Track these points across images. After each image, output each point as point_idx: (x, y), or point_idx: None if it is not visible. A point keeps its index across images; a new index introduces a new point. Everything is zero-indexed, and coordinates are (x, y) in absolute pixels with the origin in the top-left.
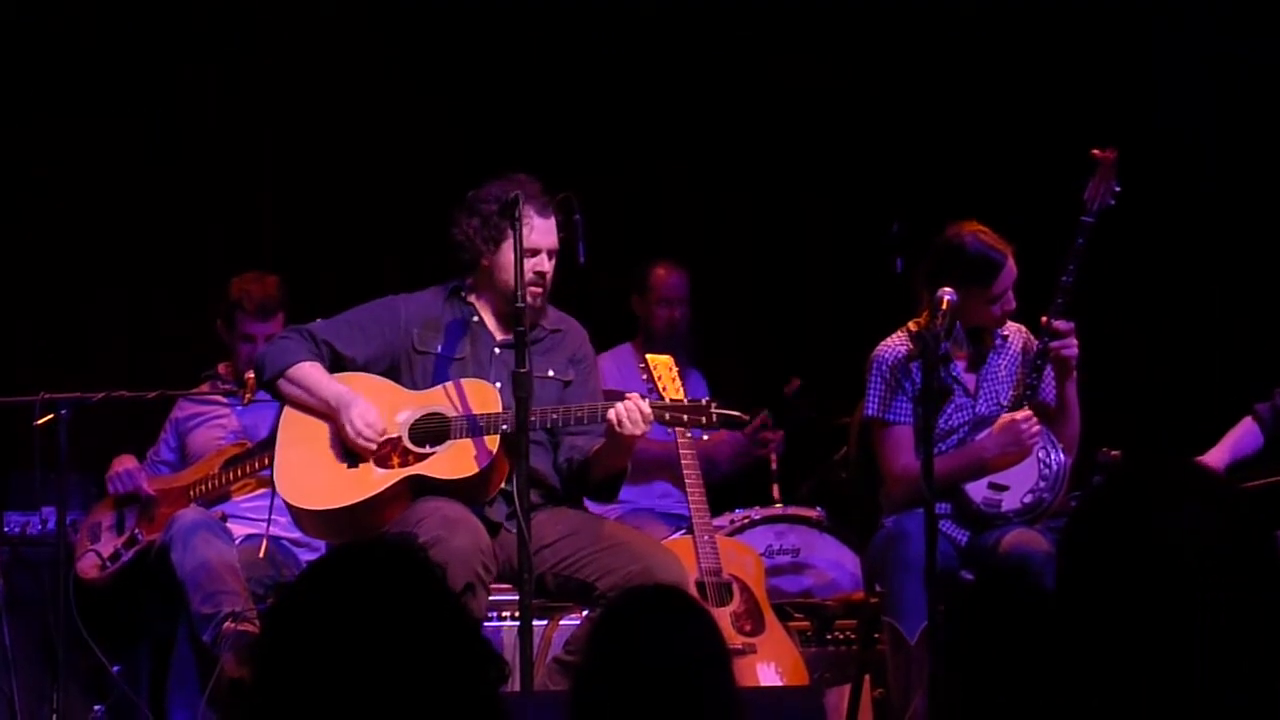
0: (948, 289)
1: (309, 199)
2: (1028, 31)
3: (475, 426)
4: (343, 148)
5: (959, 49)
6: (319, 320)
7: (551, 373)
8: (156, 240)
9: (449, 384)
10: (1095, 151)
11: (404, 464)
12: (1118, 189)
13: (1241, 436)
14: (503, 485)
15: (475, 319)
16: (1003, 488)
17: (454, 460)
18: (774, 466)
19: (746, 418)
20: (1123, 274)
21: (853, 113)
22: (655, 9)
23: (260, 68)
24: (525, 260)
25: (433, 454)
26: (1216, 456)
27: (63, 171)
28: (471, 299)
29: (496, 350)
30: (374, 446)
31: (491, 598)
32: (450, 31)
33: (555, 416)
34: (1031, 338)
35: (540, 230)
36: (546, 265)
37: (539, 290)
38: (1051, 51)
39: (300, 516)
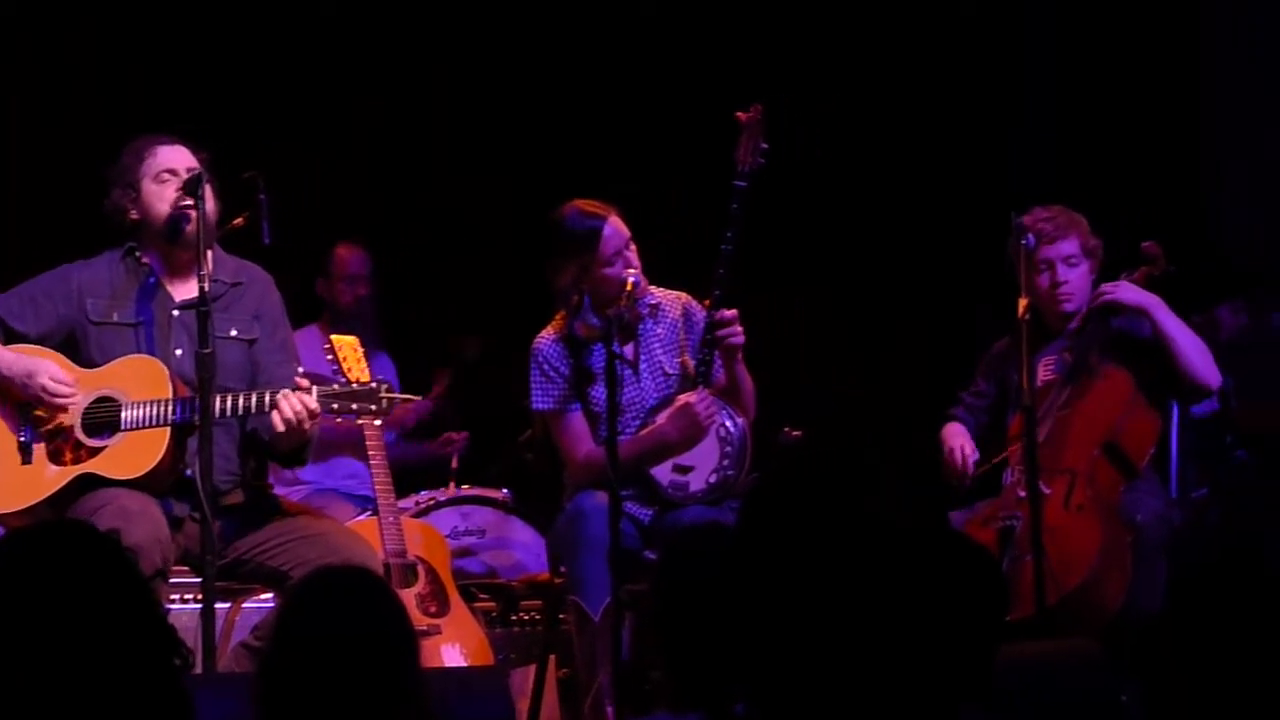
0: (631, 271)
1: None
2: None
3: (147, 416)
4: None
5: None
6: None
7: (234, 332)
8: None
9: (122, 361)
10: (739, 114)
11: (76, 459)
12: (766, 146)
13: (960, 429)
14: (185, 470)
15: (152, 280)
16: (688, 469)
17: (127, 455)
18: (454, 465)
19: (419, 399)
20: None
21: (538, 92)
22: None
23: None
24: (164, 187)
25: (105, 447)
26: (962, 443)
27: None
28: (146, 259)
29: (175, 312)
30: (76, 399)
31: (173, 580)
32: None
33: (225, 406)
34: (694, 305)
35: (168, 154)
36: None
37: (192, 211)
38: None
39: None
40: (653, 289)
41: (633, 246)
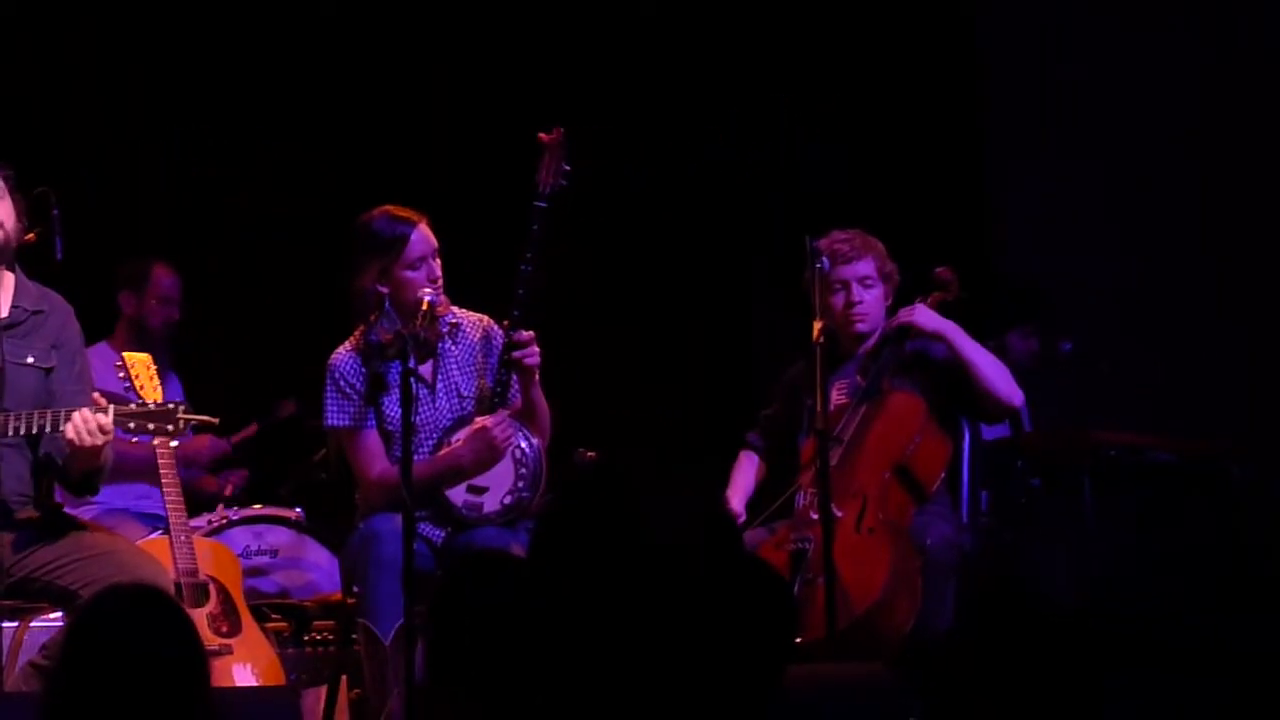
0: (427, 290)
1: None
2: None
3: None
4: None
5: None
6: None
7: (31, 359)
8: None
9: None
10: (541, 135)
11: None
12: (568, 169)
13: (747, 472)
14: None
15: None
16: (482, 490)
17: None
18: (228, 493)
19: (216, 421)
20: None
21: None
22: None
23: None
24: None
25: None
26: (735, 500)
27: None
28: None
29: None
30: None
31: None
32: None
33: (17, 425)
34: (494, 328)
35: None
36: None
37: None
38: None
39: None
40: (454, 309)
41: (438, 259)
